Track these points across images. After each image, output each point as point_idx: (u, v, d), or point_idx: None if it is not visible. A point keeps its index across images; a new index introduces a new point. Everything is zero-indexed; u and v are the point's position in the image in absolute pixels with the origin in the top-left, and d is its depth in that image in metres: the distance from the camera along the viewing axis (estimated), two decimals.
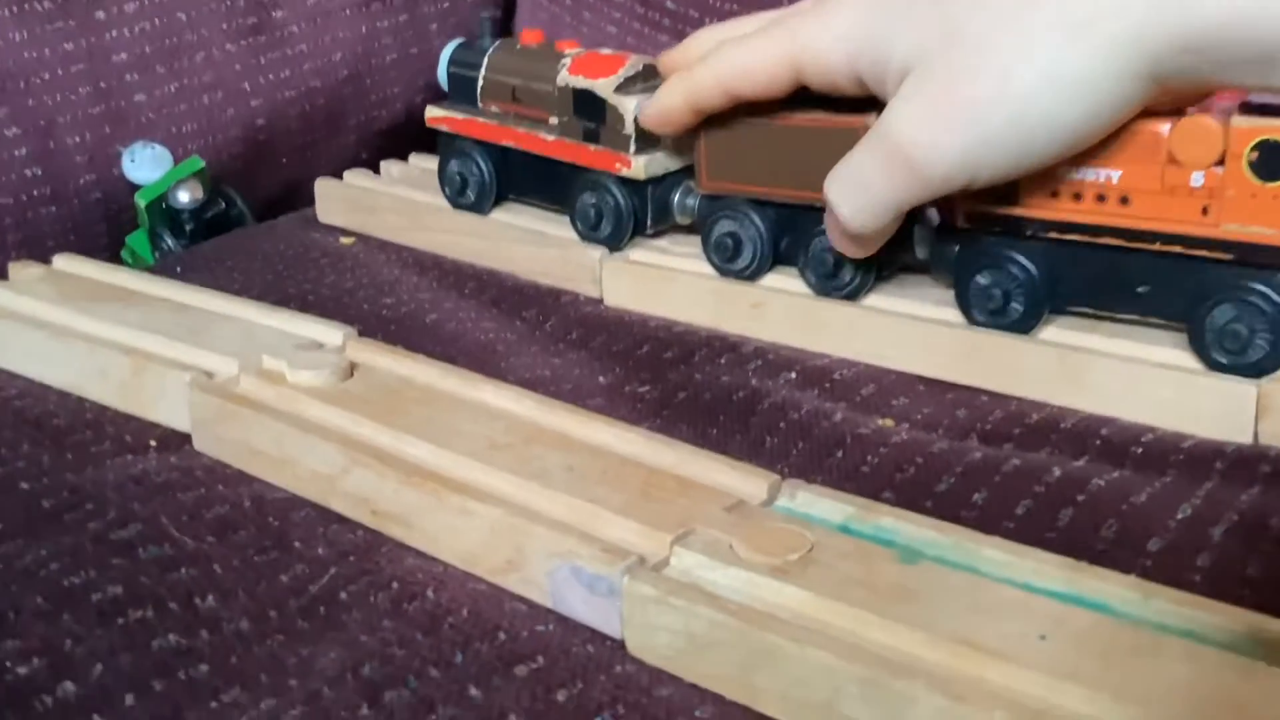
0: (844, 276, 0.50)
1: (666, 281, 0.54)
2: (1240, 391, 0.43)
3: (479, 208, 0.61)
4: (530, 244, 0.58)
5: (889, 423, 0.45)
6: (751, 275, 0.53)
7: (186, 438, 0.45)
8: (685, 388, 0.48)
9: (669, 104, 0.51)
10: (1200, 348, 0.44)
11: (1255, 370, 0.43)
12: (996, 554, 0.34)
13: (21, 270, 0.56)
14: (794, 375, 0.48)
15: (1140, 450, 0.42)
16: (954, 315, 0.49)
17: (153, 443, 0.45)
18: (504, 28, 0.95)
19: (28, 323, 0.50)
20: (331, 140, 0.83)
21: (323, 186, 0.67)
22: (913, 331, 0.49)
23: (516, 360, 0.51)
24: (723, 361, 0.50)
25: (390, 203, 0.64)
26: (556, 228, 0.59)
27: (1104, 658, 0.30)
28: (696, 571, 0.34)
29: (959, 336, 0.48)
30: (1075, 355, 0.46)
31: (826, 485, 0.38)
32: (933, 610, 0.32)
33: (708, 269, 0.54)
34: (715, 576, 0.34)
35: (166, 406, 0.45)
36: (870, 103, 0.47)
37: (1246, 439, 0.42)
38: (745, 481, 0.38)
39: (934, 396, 0.47)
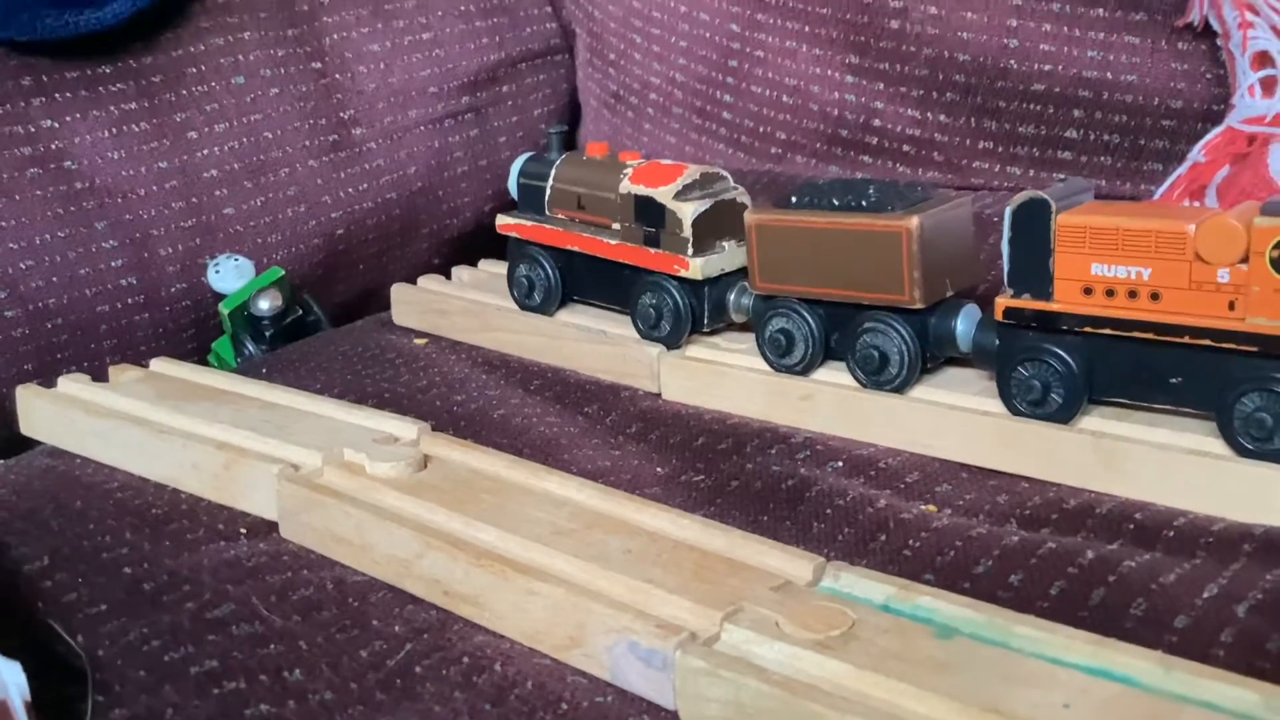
0: (890, 371, 0.53)
1: (721, 376, 0.57)
2: (1269, 476, 0.44)
3: (545, 309, 0.65)
4: (591, 342, 0.62)
5: (931, 508, 0.47)
6: (804, 370, 0.55)
7: (274, 525, 0.48)
8: (738, 477, 0.50)
9: None
10: (1229, 435, 0.46)
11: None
12: (1027, 630, 0.36)
13: (121, 373, 0.60)
14: (841, 464, 0.51)
15: (1172, 533, 0.44)
16: (995, 405, 0.51)
17: (243, 530, 0.48)
18: (569, 137, 0.99)
19: (128, 421, 0.54)
20: (406, 248, 0.88)
21: (398, 291, 0.71)
22: (955, 421, 0.51)
23: (579, 452, 0.54)
24: (773, 452, 0.52)
25: (461, 306, 0.68)
26: (616, 326, 0.62)
27: None
28: (745, 646, 0.37)
29: (1000, 425, 0.50)
30: (1111, 443, 0.48)
31: (871, 568, 0.41)
32: (965, 682, 0.34)
33: (760, 364, 0.57)
34: (762, 651, 0.36)
35: (256, 497, 0.49)
36: (907, 204, 0.50)
37: (1276, 522, 0.44)
38: (792, 563, 0.41)
39: (976, 483, 0.49)
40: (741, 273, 0.58)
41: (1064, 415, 0.49)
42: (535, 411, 0.58)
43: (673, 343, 0.59)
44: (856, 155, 0.81)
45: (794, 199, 0.54)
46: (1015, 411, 0.50)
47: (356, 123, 0.85)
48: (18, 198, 0.72)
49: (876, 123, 0.80)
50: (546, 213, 0.64)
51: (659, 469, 0.52)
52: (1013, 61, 0.74)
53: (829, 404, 0.54)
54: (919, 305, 0.51)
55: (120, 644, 0.40)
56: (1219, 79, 0.71)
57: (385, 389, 0.61)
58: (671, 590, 0.39)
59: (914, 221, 0.50)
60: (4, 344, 0.71)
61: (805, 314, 0.55)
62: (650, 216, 0.59)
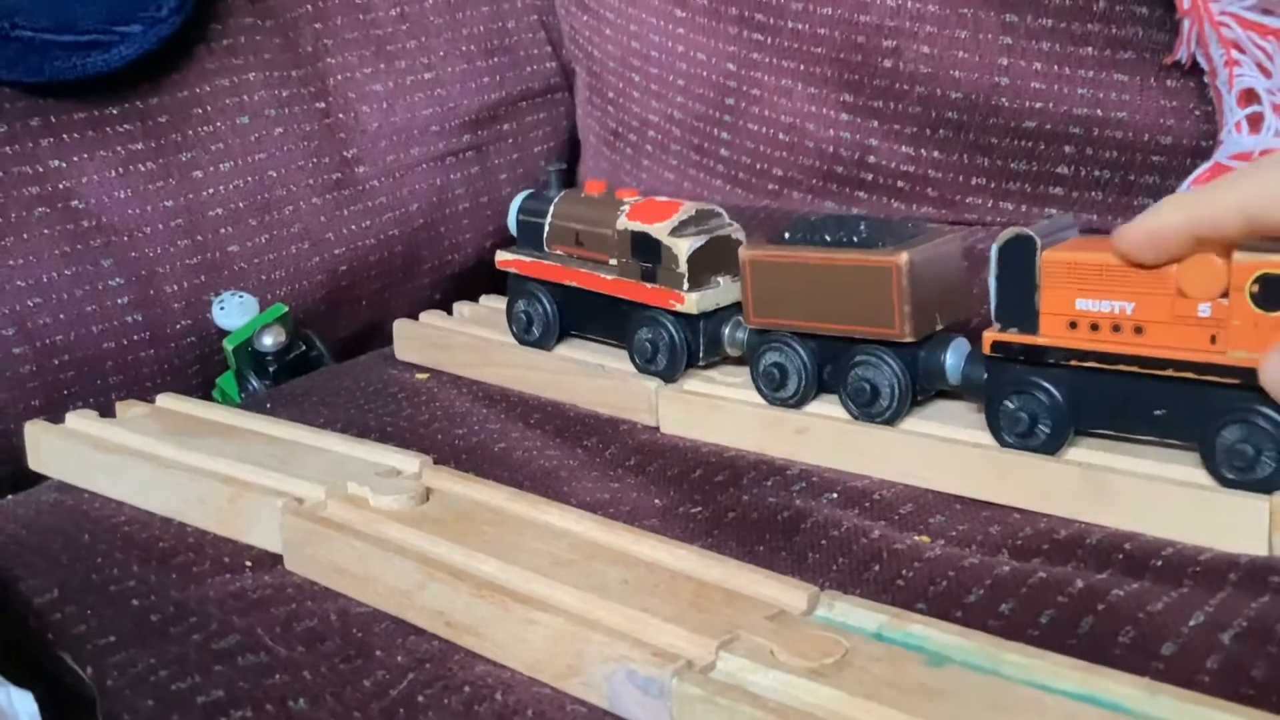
0: (881, 404, 0.54)
1: (717, 410, 0.58)
2: (1254, 506, 0.45)
3: (543, 343, 0.66)
4: (590, 377, 0.63)
5: (925, 539, 0.48)
6: (797, 403, 0.56)
7: (278, 558, 0.49)
8: (734, 508, 0.51)
9: (1164, 223, 0.45)
10: (1212, 466, 0.47)
11: (1263, 486, 0.45)
12: (1017, 658, 0.37)
13: (128, 409, 0.61)
14: (836, 495, 0.52)
15: (1160, 563, 0.45)
16: (987, 438, 0.52)
17: (248, 563, 0.49)
18: (569, 174, 1.01)
19: (135, 456, 0.55)
20: (407, 284, 0.89)
21: (400, 327, 0.72)
22: (948, 454, 0.52)
23: (578, 484, 0.55)
24: (769, 484, 0.53)
25: (462, 341, 0.69)
26: (615, 361, 0.63)
27: None
28: (740, 674, 0.38)
29: (992, 458, 0.51)
30: (1101, 474, 0.48)
31: (864, 597, 0.41)
32: (955, 708, 0.35)
33: (755, 398, 0.57)
34: (757, 678, 0.37)
35: (260, 530, 0.50)
36: (897, 240, 0.52)
37: (1261, 551, 0.45)
38: (786, 593, 0.41)
39: (968, 514, 0.50)
40: (736, 307, 0.59)
41: (1051, 447, 0.50)
42: (535, 445, 0.59)
43: (669, 376, 0.60)
44: (852, 191, 0.83)
45: (787, 235, 0.56)
46: (1003, 443, 0.51)
47: (359, 161, 0.86)
48: (26, 236, 0.73)
49: (871, 159, 0.81)
50: (545, 249, 0.66)
51: (657, 501, 0.53)
52: (1004, 99, 0.75)
53: (824, 437, 0.55)
54: (909, 339, 0.52)
55: (129, 674, 0.41)
56: (1207, 115, 0.72)
57: (388, 423, 0.62)
58: (668, 619, 0.40)
59: (904, 257, 0.51)
60: (12, 380, 0.72)
61: (798, 348, 0.56)
62: (647, 252, 0.60)
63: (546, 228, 0.65)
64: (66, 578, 0.48)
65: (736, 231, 0.61)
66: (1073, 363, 0.49)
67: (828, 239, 0.54)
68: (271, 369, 0.74)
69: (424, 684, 0.40)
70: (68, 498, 0.55)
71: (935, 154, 0.79)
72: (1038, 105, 0.75)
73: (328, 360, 0.77)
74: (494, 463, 0.57)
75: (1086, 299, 0.48)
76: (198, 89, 0.81)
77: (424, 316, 0.72)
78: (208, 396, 0.77)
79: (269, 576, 0.48)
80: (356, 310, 0.86)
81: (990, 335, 0.50)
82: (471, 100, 0.92)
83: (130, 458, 0.55)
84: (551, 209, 0.65)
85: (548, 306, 0.65)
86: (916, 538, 0.48)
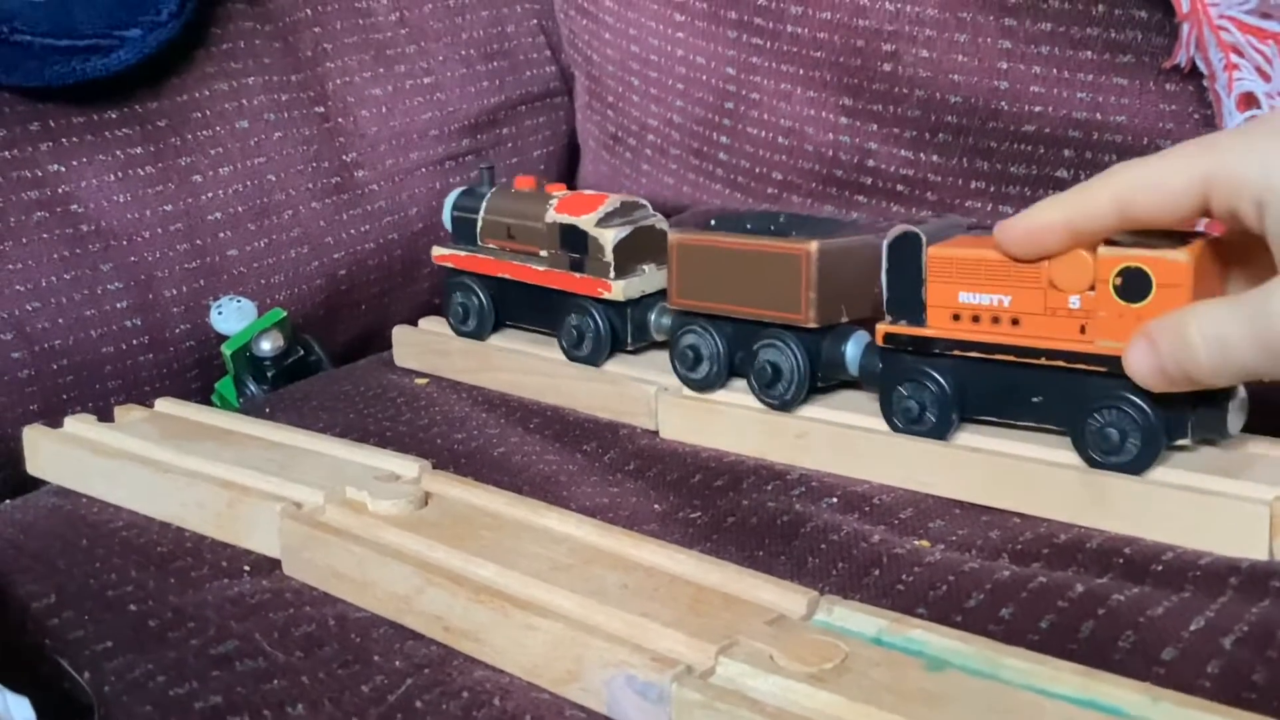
0: (780, 386, 0.56)
1: (717, 415, 0.58)
2: (1254, 512, 0.45)
3: (479, 334, 0.68)
4: (590, 381, 0.63)
5: (925, 544, 0.48)
6: (708, 386, 0.59)
7: (277, 563, 0.49)
8: (734, 513, 0.51)
9: (1043, 220, 0.47)
10: (1081, 449, 0.49)
11: (1130, 469, 0.48)
12: (1016, 662, 0.37)
13: (126, 413, 0.61)
14: (835, 500, 0.52)
15: (1160, 567, 0.45)
16: (987, 443, 0.52)
17: (246, 568, 0.49)
18: (571, 177, 1.01)
19: (133, 461, 0.55)
20: (407, 288, 0.89)
21: (399, 333, 0.72)
22: (948, 458, 0.52)
23: (578, 489, 0.54)
24: (769, 488, 0.53)
25: (460, 346, 0.69)
26: (614, 365, 0.63)
27: None
28: (739, 679, 0.37)
29: (992, 463, 0.51)
30: (1100, 479, 0.48)
31: (864, 602, 0.41)
32: (955, 713, 0.35)
33: (755, 403, 0.57)
34: (757, 684, 0.37)
35: (259, 535, 0.50)
36: (813, 232, 0.54)
37: (1262, 555, 0.45)
38: (786, 598, 0.41)
39: (968, 519, 0.50)
40: (661, 295, 0.62)
41: (938, 432, 0.52)
42: (534, 449, 0.59)
43: (594, 361, 0.63)
44: (851, 195, 0.82)
45: (713, 223, 0.59)
46: (895, 429, 0.53)
47: (359, 165, 0.86)
48: (25, 241, 0.73)
49: (871, 163, 0.81)
50: (479, 243, 0.68)
51: (656, 505, 0.53)
52: (1003, 103, 0.75)
53: (824, 441, 0.55)
54: (813, 324, 0.55)
55: (126, 680, 0.41)
56: (1206, 119, 0.72)
57: (387, 428, 0.62)
58: (668, 624, 0.40)
59: (814, 245, 0.54)
60: (11, 385, 0.71)
61: (713, 332, 0.58)
62: (574, 243, 0.63)
63: (479, 222, 0.67)
64: (64, 582, 0.48)
65: (660, 222, 0.64)
66: (956, 353, 0.51)
67: (749, 227, 0.57)
68: (270, 374, 0.74)
69: (422, 689, 0.40)
70: (66, 502, 0.55)
71: (935, 158, 0.79)
72: (1037, 109, 0.75)
73: (326, 365, 0.77)
74: (493, 467, 0.57)
75: (968, 292, 0.50)
76: (197, 93, 0.80)
77: (423, 323, 0.72)
78: (207, 401, 0.76)
79: (267, 581, 0.47)
80: (356, 315, 0.86)
81: (883, 328, 0.53)
82: (471, 104, 0.92)
83: (128, 462, 0.55)
84: (484, 205, 0.67)
85: (483, 298, 0.67)
86: (916, 542, 0.48)
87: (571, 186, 0.98)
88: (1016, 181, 0.76)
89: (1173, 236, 0.47)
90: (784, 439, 0.56)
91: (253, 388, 0.74)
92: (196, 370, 0.79)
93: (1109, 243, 0.47)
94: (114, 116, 0.77)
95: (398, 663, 0.42)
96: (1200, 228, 0.50)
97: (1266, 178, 0.43)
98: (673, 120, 0.91)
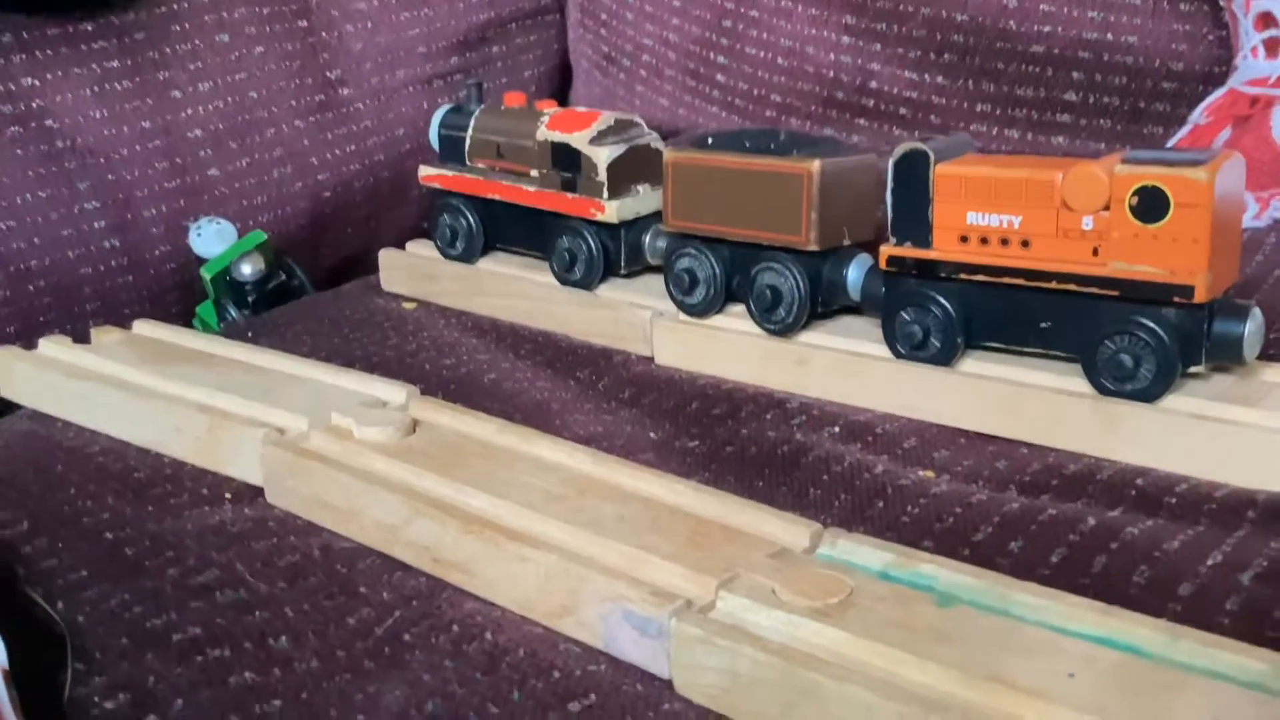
0: (780, 312, 0.54)
1: (714, 340, 0.56)
2: (1272, 441, 0.44)
3: (467, 257, 0.66)
4: (583, 305, 0.61)
5: (930, 474, 0.47)
6: (704, 311, 0.57)
7: (259, 490, 0.47)
8: (732, 442, 0.50)
9: None
10: (1092, 376, 0.47)
11: (1143, 397, 0.46)
12: (1029, 598, 0.36)
13: (103, 335, 0.59)
14: (837, 429, 0.50)
15: (1174, 500, 0.43)
16: (993, 369, 0.50)
17: (228, 495, 0.47)
18: (562, 100, 0.98)
19: (110, 384, 0.53)
20: (394, 210, 0.86)
21: (386, 256, 0.70)
22: (953, 385, 0.50)
23: (571, 417, 0.53)
24: (769, 417, 0.51)
25: (450, 271, 0.67)
26: (608, 290, 0.61)
27: (1130, 694, 0.32)
28: (741, 614, 0.36)
29: (998, 390, 0.49)
30: (1111, 407, 0.47)
31: (868, 534, 0.40)
32: (967, 651, 0.34)
33: (754, 328, 0.56)
34: (759, 619, 0.36)
35: (241, 461, 0.48)
36: (813, 151, 0.52)
37: (1278, 487, 0.43)
38: (788, 530, 0.40)
39: (975, 449, 0.49)
40: (657, 216, 0.60)
41: (943, 358, 0.51)
42: (526, 376, 0.57)
43: (586, 284, 0.61)
44: (852, 118, 0.80)
45: (710, 141, 0.56)
46: (898, 355, 0.52)
47: (344, 83, 0.83)
48: None
49: (873, 84, 0.79)
50: (467, 163, 0.65)
51: (652, 434, 0.51)
52: (1012, 22, 0.73)
53: (825, 368, 0.53)
54: (814, 247, 0.53)
55: (100, 611, 0.39)
56: (1221, 40, 0.70)
57: (373, 353, 0.60)
58: (666, 557, 0.38)
59: (815, 165, 0.52)
60: None
61: (710, 255, 0.56)
62: (567, 162, 0.60)
63: (468, 141, 0.65)
64: (37, 510, 0.46)
65: (655, 140, 0.61)
66: (963, 276, 0.49)
67: (748, 146, 0.55)
68: (250, 298, 0.72)
69: (410, 622, 0.39)
70: (39, 426, 0.53)
71: (940, 79, 0.76)
72: (1046, 29, 0.73)
73: (309, 290, 0.75)
74: (483, 394, 0.55)
75: (977, 212, 0.48)
76: (175, 5, 0.78)
77: (411, 246, 0.70)
78: (188, 325, 0.75)
79: (249, 509, 0.46)
80: (341, 238, 0.84)
81: (886, 250, 0.51)
82: (460, 21, 0.89)
83: (105, 385, 0.53)
84: (472, 122, 0.65)
85: (471, 220, 0.65)
86: (921, 473, 0.47)
87: (563, 104, 0.96)
88: (1024, 105, 0.74)
89: (1192, 154, 0.45)
90: (783, 365, 0.54)
91: (233, 312, 0.72)
92: (177, 293, 0.77)
93: (1125, 160, 0.45)
94: (90, 29, 0.75)
95: (385, 595, 0.40)
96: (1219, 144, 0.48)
97: None
98: (668, 40, 0.88)
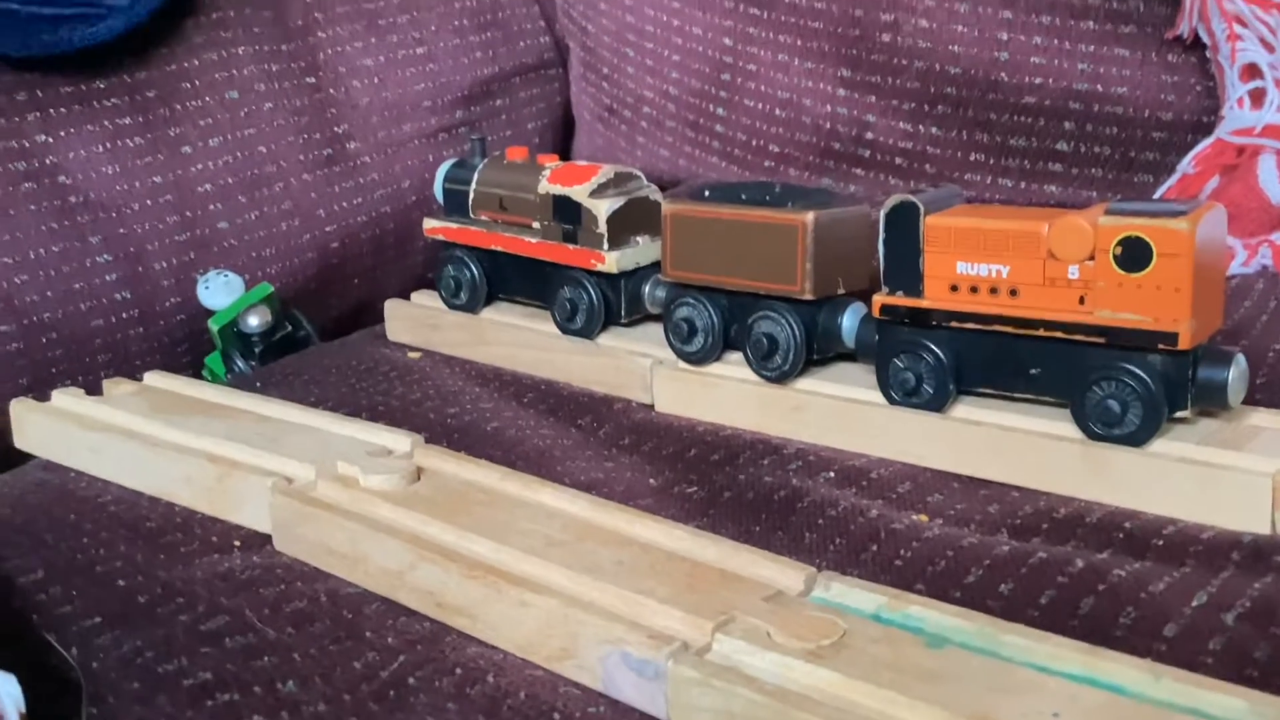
0: (777, 359, 0.55)
1: (713, 388, 0.57)
2: (1257, 483, 0.45)
3: (471, 307, 0.67)
4: (584, 354, 0.62)
5: (923, 518, 0.48)
6: (703, 359, 0.58)
7: (267, 538, 0.48)
8: (730, 488, 0.51)
9: None
10: (1081, 421, 0.48)
11: (1130, 441, 0.47)
12: (1017, 639, 0.37)
13: (115, 386, 0.60)
14: (833, 474, 0.51)
15: (1161, 542, 0.44)
16: (985, 415, 0.51)
17: (237, 543, 0.48)
18: (565, 150, 1.00)
19: (122, 434, 0.54)
20: (399, 262, 0.88)
21: (391, 307, 0.71)
22: (946, 431, 0.51)
23: (572, 464, 0.54)
24: (765, 463, 0.52)
25: (454, 320, 0.68)
26: (608, 339, 0.62)
27: None
28: (736, 656, 0.37)
29: (990, 435, 0.50)
30: (1100, 451, 0.48)
31: (862, 577, 0.41)
32: (955, 691, 0.35)
33: (752, 376, 0.57)
34: (754, 660, 0.37)
35: (249, 509, 0.49)
36: (808, 202, 0.53)
37: (1264, 529, 0.44)
38: (783, 574, 0.41)
39: (967, 493, 0.49)
40: (655, 266, 0.61)
41: (935, 404, 0.52)
42: (529, 424, 0.58)
43: (589, 334, 0.62)
44: (849, 168, 0.82)
45: (707, 193, 0.58)
46: (892, 401, 0.53)
47: (351, 137, 0.85)
48: (12, 212, 0.72)
49: (869, 135, 0.80)
50: (471, 215, 0.67)
51: (652, 480, 0.52)
52: (1004, 74, 0.75)
53: (821, 415, 0.54)
54: (809, 296, 0.54)
55: (114, 656, 0.40)
56: (1209, 91, 0.71)
57: (379, 402, 0.61)
58: (663, 600, 0.39)
59: (810, 216, 0.53)
60: None
61: (708, 304, 0.57)
62: (568, 214, 0.62)
63: (471, 194, 0.67)
64: (52, 558, 0.47)
65: (654, 193, 0.63)
66: (954, 324, 0.51)
67: (744, 198, 0.56)
68: (257, 349, 0.74)
69: (415, 666, 0.40)
70: (53, 477, 0.55)
71: (934, 130, 0.78)
72: (1037, 81, 0.74)
73: (314, 340, 0.76)
74: (486, 442, 0.56)
75: (966, 262, 0.50)
76: (186, 63, 0.79)
77: (416, 296, 0.72)
78: (197, 375, 0.76)
79: (258, 557, 0.47)
80: (348, 289, 0.85)
81: (880, 298, 0.52)
82: (464, 76, 0.91)
83: (117, 436, 0.54)
84: (476, 176, 0.67)
85: (475, 271, 0.67)
86: (914, 517, 0.48)
87: (566, 159, 0.98)
88: (1016, 154, 0.76)
89: (1174, 205, 0.47)
90: (780, 412, 0.55)
91: (240, 363, 0.74)
92: (187, 344, 0.78)
93: (1109, 212, 0.47)
94: (102, 86, 0.76)
95: (390, 639, 0.41)
96: (1203, 197, 0.49)
97: None
98: (668, 92, 0.90)
